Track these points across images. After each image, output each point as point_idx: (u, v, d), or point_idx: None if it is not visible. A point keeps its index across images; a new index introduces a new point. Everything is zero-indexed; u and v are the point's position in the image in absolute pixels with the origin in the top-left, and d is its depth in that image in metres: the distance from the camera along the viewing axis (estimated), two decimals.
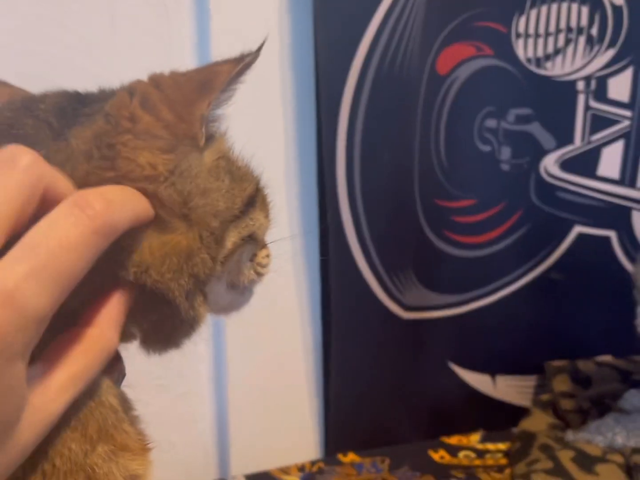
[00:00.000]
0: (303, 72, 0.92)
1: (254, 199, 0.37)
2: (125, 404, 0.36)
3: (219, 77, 0.34)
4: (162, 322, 0.35)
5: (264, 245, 0.41)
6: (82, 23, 0.85)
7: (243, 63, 0.35)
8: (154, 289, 0.32)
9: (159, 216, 0.32)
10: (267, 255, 0.41)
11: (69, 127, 0.32)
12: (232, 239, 0.35)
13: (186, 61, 0.90)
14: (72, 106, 0.34)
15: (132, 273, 0.31)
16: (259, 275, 0.41)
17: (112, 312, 0.31)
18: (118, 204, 0.28)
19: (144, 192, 0.32)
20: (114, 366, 0.36)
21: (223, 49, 0.89)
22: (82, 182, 0.31)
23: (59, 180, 0.28)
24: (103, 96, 0.34)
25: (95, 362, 0.30)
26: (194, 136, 0.33)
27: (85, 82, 0.83)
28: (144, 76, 0.89)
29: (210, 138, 0.35)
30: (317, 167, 0.95)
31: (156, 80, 0.35)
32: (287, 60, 0.92)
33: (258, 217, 0.38)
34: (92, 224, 0.26)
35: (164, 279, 0.32)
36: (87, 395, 0.33)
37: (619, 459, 0.86)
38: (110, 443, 0.34)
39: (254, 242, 0.38)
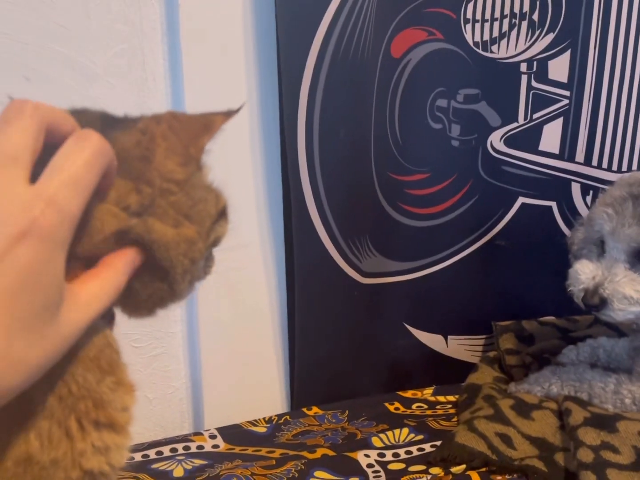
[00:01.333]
0: (266, 58, 0.99)
1: (225, 212, 0.48)
2: (119, 352, 0.45)
3: (215, 124, 0.45)
4: (154, 294, 0.45)
5: (212, 254, 0.51)
6: (57, 9, 0.91)
7: (230, 117, 0.47)
8: (166, 264, 0.43)
9: (174, 216, 0.43)
10: (213, 261, 0.51)
11: (109, 131, 0.42)
12: (212, 236, 0.46)
13: (157, 46, 0.96)
14: (110, 119, 0.44)
15: (162, 249, 0.42)
16: (206, 274, 0.50)
17: (127, 262, 0.40)
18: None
19: (171, 193, 0.43)
20: (112, 321, 0.45)
21: (191, 35, 0.96)
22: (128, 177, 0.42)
23: (60, 116, 0.38)
24: (130, 119, 0.45)
25: (110, 293, 0.39)
26: (198, 159, 0.44)
27: (62, 66, 0.90)
28: (118, 60, 0.94)
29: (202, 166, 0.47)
30: (280, 147, 1.02)
31: (174, 115, 0.45)
32: (251, 43, 0.99)
33: (224, 226, 0.48)
34: (96, 148, 0.37)
35: (177, 257, 0.43)
36: (99, 337, 0.42)
37: (553, 405, 0.96)
38: (115, 376, 0.43)
39: (214, 246, 0.49)
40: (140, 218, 0.41)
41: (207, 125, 0.45)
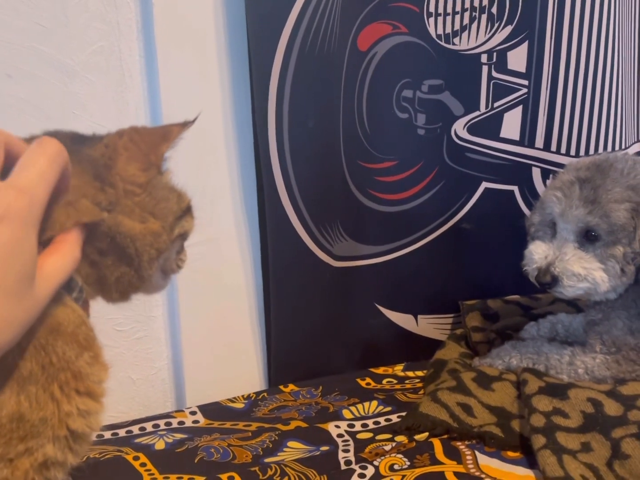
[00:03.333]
0: (237, 54, 1.04)
1: (189, 209, 0.56)
2: (94, 332, 0.51)
3: (172, 134, 0.53)
4: (122, 278, 0.52)
5: (183, 248, 0.59)
6: (36, 9, 0.95)
7: (186, 127, 0.54)
8: (131, 251, 0.50)
9: (140, 213, 0.50)
10: (185, 255, 0.59)
11: (79, 148, 0.50)
12: (177, 230, 0.54)
13: (133, 44, 1.01)
14: (79, 137, 0.52)
15: (128, 240, 0.49)
16: (178, 267, 0.58)
17: (77, 238, 0.47)
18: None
19: (134, 194, 0.50)
20: (85, 306, 0.51)
21: (165, 32, 1.00)
22: (92, 180, 0.49)
23: (14, 139, 0.45)
24: (97, 136, 0.52)
25: (68, 264, 0.46)
26: (158, 165, 0.52)
27: (42, 63, 0.94)
28: (96, 57, 0.99)
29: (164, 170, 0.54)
30: (253, 139, 1.07)
31: (135, 129, 0.52)
32: (223, 40, 1.04)
33: (190, 221, 0.56)
34: (55, 150, 0.44)
35: (144, 248, 0.51)
36: (75, 314, 0.48)
37: (512, 377, 1.02)
38: (92, 351, 0.49)
39: (182, 240, 0.57)
40: (110, 214, 0.48)
41: (166, 135, 0.52)
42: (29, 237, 0.41)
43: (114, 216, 0.48)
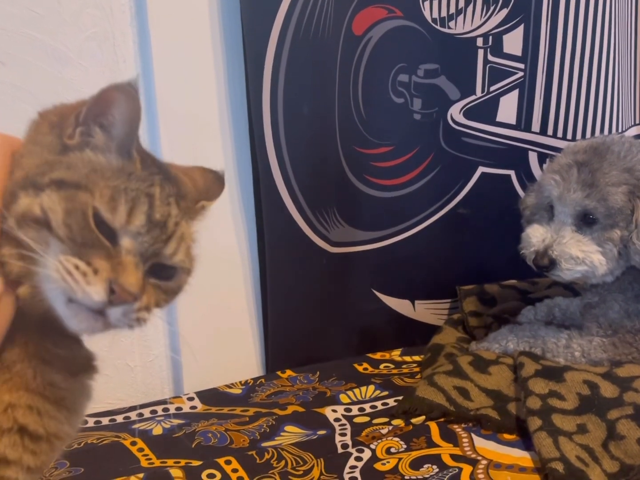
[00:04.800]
0: (232, 40, 1.04)
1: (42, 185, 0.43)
2: None
3: (94, 97, 0.46)
4: None
5: (84, 257, 0.42)
6: None
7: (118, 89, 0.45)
8: None
9: None
10: (77, 267, 0.42)
11: None
12: (24, 200, 0.43)
13: (126, 29, 1.00)
14: None
15: None
16: (65, 281, 0.41)
17: None
18: None
19: None
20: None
21: (159, 18, 0.99)
22: None
23: None
24: None
25: None
26: (62, 129, 0.47)
27: (36, 50, 0.94)
28: (90, 43, 0.98)
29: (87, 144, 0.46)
30: (248, 125, 1.07)
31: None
32: (217, 25, 1.04)
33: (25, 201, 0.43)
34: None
35: None
36: None
37: (509, 361, 1.02)
38: None
39: (43, 228, 0.42)
40: None
41: (88, 100, 0.46)
42: None
43: None
